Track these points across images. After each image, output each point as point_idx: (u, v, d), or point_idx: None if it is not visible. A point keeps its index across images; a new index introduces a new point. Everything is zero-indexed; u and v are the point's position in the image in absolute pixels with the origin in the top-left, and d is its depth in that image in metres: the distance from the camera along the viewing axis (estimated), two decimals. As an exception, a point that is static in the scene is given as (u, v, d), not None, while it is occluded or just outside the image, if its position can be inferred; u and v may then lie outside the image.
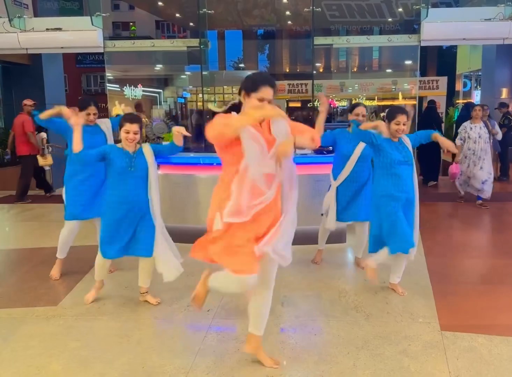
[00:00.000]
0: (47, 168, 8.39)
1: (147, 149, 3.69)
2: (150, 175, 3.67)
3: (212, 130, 2.46)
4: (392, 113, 3.76)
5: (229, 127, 2.42)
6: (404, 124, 3.72)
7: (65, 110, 4.07)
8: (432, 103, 9.28)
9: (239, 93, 2.60)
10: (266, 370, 2.86)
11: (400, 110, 3.82)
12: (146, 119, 9.09)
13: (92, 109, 4.25)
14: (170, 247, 3.75)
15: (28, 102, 8.12)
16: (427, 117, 9.00)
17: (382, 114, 3.98)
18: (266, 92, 2.51)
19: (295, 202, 2.70)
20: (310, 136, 2.57)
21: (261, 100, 2.50)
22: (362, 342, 3.20)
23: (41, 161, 8.14)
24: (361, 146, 4.21)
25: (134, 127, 3.54)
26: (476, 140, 7.06)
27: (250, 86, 2.54)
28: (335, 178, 4.42)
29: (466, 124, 7.23)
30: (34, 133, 8.13)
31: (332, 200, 4.39)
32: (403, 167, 3.73)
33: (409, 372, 2.86)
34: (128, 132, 3.53)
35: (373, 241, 3.87)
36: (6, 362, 3.05)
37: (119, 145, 3.66)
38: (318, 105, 13.40)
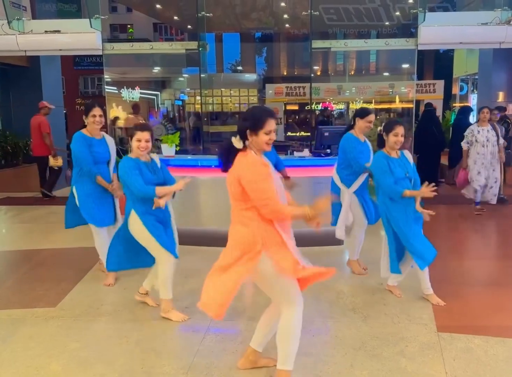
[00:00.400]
0: (55, 168, 8.51)
1: (158, 161, 3.73)
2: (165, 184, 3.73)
3: (266, 195, 2.48)
4: (390, 125, 3.85)
5: (292, 216, 2.59)
6: (402, 135, 3.79)
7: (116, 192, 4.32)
8: (429, 105, 9.04)
9: (243, 133, 2.54)
10: (265, 370, 2.88)
11: (398, 122, 3.95)
12: (143, 121, 9.11)
13: (97, 110, 4.28)
14: None
15: (47, 104, 8.38)
16: (425, 120, 8.83)
17: (379, 128, 3.99)
18: (271, 124, 2.55)
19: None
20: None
21: (268, 133, 2.54)
22: (359, 343, 3.23)
23: (52, 161, 8.34)
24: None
25: (145, 134, 3.53)
26: (484, 143, 6.71)
27: (255, 124, 2.53)
28: (347, 185, 4.40)
29: (473, 127, 6.86)
30: (49, 134, 8.30)
31: (346, 211, 4.40)
32: (405, 183, 3.78)
33: (406, 372, 2.89)
34: (139, 140, 3.51)
35: (394, 261, 3.89)
36: (6, 362, 3.06)
37: (131, 155, 3.61)
38: (315, 108, 13.47)
